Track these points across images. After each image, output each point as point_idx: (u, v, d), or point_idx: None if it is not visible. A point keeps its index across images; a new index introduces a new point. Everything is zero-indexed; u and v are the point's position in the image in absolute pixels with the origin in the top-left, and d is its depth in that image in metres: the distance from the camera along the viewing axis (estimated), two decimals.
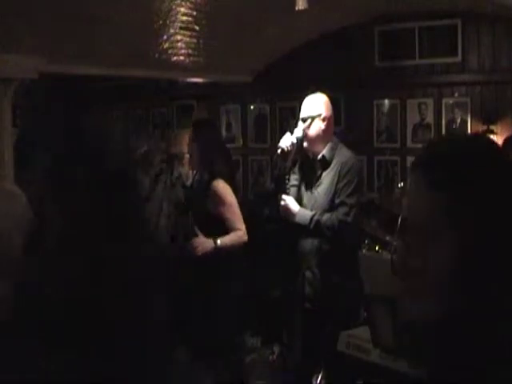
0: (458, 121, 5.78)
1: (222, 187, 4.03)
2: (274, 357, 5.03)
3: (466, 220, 1.07)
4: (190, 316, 3.96)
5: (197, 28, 5.33)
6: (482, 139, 1.25)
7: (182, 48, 5.57)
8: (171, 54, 5.56)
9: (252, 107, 7.17)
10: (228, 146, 6.32)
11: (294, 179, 4.02)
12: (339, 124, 5.45)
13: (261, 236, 5.62)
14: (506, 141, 4.55)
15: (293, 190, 4.00)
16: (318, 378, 3.79)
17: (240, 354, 4.66)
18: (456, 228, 1.07)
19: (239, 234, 4.01)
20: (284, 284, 4.93)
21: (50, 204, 1.16)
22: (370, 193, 5.70)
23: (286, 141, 3.88)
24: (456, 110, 5.78)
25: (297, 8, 4.17)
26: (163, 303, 1.22)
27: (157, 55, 5.45)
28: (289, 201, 3.90)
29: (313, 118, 3.89)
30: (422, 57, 5.92)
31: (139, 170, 5.01)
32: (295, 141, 3.88)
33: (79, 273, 1.11)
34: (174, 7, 4.89)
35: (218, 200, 4.00)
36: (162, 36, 5.25)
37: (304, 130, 3.89)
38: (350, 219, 3.77)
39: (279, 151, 3.90)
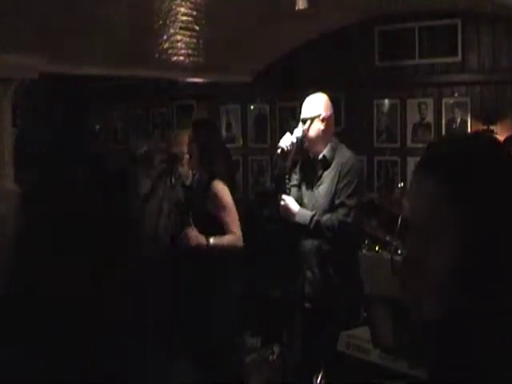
0: (458, 121, 5.78)
1: (221, 188, 4.02)
2: (274, 357, 5.02)
3: (467, 219, 1.07)
4: (189, 316, 3.96)
5: (197, 28, 5.33)
6: (483, 138, 1.24)
7: (181, 48, 5.58)
8: (171, 53, 5.56)
9: (252, 107, 7.17)
10: (228, 146, 6.32)
11: (295, 179, 4.02)
12: (339, 124, 5.45)
13: (261, 236, 5.63)
14: (506, 140, 4.55)
15: (294, 189, 4.00)
16: (318, 377, 3.79)
17: (240, 353, 4.66)
18: (458, 228, 1.07)
19: (233, 237, 3.99)
20: (284, 284, 4.93)
21: (49, 203, 1.16)
22: (369, 193, 5.70)
23: (286, 141, 3.88)
24: (456, 110, 5.78)
25: (297, 8, 4.17)
26: (163, 303, 1.22)
27: (157, 55, 5.45)
28: (289, 201, 3.90)
29: (312, 119, 3.89)
30: (422, 57, 5.92)
31: (139, 171, 5.01)
32: (295, 141, 3.88)
33: (79, 273, 1.11)
34: (173, 7, 4.89)
35: (216, 201, 4.00)
36: (162, 36, 5.25)
37: (303, 131, 3.89)
38: (350, 220, 3.77)
39: (279, 151, 3.90)
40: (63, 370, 1.06)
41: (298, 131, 3.91)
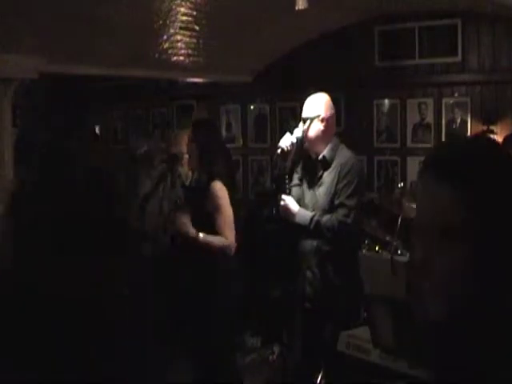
0: (458, 121, 5.78)
1: (219, 189, 4.01)
2: (274, 357, 5.03)
3: (478, 221, 1.07)
4: (189, 316, 3.96)
5: (197, 28, 5.33)
6: (487, 141, 1.26)
7: (181, 48, 5.57)
8: (171, 53, 5.56)
9: (252, 107, 7.17)
10: (228, 146, 6.33)
11: (296, 178, 4.02)
12: (339, 124, 5.45)
13: (261, 236, 5.63)
14: (505, 140, 4.55)
15: (295, 189, 3.99)
16: (318, 377, 3.79)
17: (240, 353, 4.66)
18: (468, 229, 1.07)
19: (224, 241, 3.98)
20: (284, 284, 4.93)
21: (49, 203, 1.16)
22: (369, 193, 5.70)
23: (286, 141, 3.88)
24: (456, 110, 5.78)
25: (297, 8, 4.17)
26: (163, 303, 1.22)
27: (157, 55, 5.45)
28: (288, 201, 3.90)
29: (312, 119, 3.89)
30: (422, 57, 5.92)
31: (139, 171, 5.01)
32: (295, 141, 3.88)
33: (79, 273, 1.11)
34: (174, 7, 4.89)
35: (214, 203, 3.99)
36: (162, 36, 5.25)
37: (303, 131, 3.89)
38: (349, 220, 3.77)
39: (279, 151, 3.90)
40: (63, 369, 1.06)
41: (298, 131, 3.91)
